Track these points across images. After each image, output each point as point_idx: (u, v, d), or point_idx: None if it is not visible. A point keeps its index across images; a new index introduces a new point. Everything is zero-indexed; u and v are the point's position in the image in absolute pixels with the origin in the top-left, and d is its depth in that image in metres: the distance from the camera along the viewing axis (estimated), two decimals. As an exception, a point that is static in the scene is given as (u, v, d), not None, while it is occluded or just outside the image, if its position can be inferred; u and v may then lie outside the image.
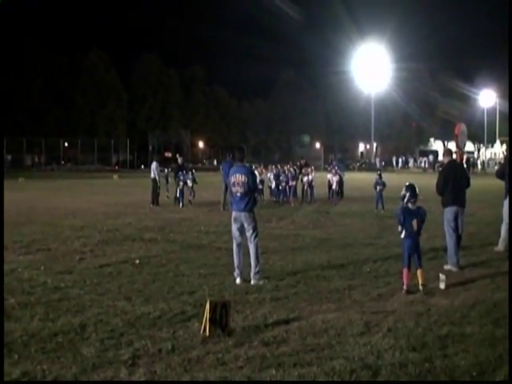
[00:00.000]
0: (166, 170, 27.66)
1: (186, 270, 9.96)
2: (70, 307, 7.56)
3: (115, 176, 48.45)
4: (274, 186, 24.91)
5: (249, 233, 9.37)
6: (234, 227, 9.47)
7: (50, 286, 8.76)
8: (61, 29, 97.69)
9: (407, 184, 8.90)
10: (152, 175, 23.16)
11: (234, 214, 9.49)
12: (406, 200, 8.73)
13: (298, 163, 28.56)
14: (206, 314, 6.37)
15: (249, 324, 6.82)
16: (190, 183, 23.10)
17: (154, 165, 23.65)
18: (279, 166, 27.16)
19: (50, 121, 76.56)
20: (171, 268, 10.18)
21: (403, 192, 8.79)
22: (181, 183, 22.87)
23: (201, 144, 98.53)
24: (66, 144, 78.07)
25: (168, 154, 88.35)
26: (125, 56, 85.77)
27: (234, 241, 9.50)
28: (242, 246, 9.46)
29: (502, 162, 14.74)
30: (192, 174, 23.73)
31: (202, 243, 13.10)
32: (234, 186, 9.35)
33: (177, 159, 26.41)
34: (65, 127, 76.38)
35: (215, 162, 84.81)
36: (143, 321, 6.95)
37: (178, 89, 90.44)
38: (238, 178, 9.31)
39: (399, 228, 8.75)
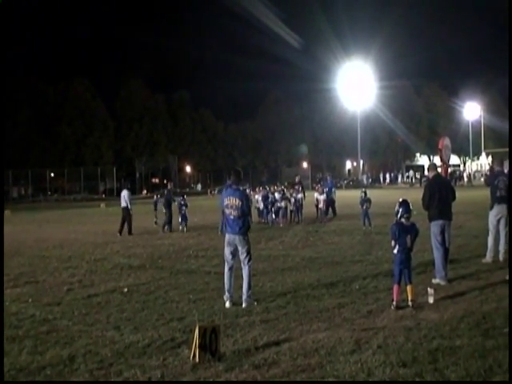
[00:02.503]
0: (155, 197, 27.63)
1: (176, 296, 9.93)
2: (58, 339, 7.51)
3: (102, 204, 48.27)
4: (262, 207, 24.91)
5: (243, 256, 9.38)
6: (227, 250, 9.46)
7: (38, 318, 8.71)
8: (45, 58, 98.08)
9: (401, 200, 8.95)
10: (123, 204, 22.14)
11: (227, 236, 9.48)
12: (399, 216, 8.79)
13: (296, 180, 28.28)
14: (196, 340, 6.35)
15: (239, 348, 6.81)
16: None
17: (124, 193, 22.60)
18: (267, 187, 27.24)
19: (35, 152, 76.33)
20: (160, 295, 10.14)
21: (397, 208, 8.85)
22: (183, 208, 22.81)
23: (188, 169, 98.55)
24: (53, 174, 77.89)
25: (155, 181, 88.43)
26: (109, 83, 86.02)
27: (226, 264, 9.47)
28: (234, 270, 9.46)
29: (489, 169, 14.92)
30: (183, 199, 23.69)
31: (192, 268, 13.07)
32: (228, 208, 9.38)
33: (167, 185, 26.29)
34: (51, 157, 76.13)
35: (199, 187, 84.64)
36: (132, 350, 6.92)
37: (164, 114, 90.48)
38: (231, 201, 9.35)
39: (392, 243, 8.79)
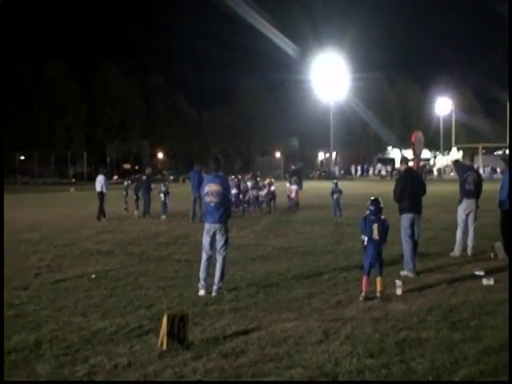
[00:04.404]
0: (125, 183, 27.34)
1: (145, 283, 9.87)
2: (25, 324, 7.41)
3: (72, 189, 47.83)
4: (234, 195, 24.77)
5: (220, 244, 9.26)
6: (206, 240, 9.29)
7: (5, 302, 8.54)
8: (19, 39, 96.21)
9: (372, 198, 9.00)
10: (99, 188, 22.07)
11: (207, 225, 9.30)
12: (368, 213, 8.86)
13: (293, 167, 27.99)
14: (164, 328, 6.31)
15: (207, 336, 6.78)
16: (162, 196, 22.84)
17: (101, 177, 22.48)
18: (239, 176, 27.19)
19: (6, 134, 75.10)
20: (129, 281, 10.07)
21: (368, 205, 8.91)
22: (162, 195, 22.63)
23: (160, 155, 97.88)
24: (23, 157, 76.91)
25: (127, 166, 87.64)
26: (83, 66, 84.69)
27: (205, 253, 9.31)
28: (212, 259, 9.36)
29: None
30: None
31: (162, 255, 13.00)
32: (208, 195, 9.20)
33: (145, 170, 26.21)
34: (22, 140, 75.00)
35: (171, 178, 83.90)
36: (99, 336, 6.86)
37: (137, 99, 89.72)
38: (212, 188, 9.19)
39: (362, 236, 8.86)
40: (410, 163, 11.71)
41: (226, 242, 9.35)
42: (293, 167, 27.93)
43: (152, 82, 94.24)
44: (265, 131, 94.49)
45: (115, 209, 24.02)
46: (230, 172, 44.28)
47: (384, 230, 8.80)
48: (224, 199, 9.24)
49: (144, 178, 24.25)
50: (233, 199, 24.34)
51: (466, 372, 5.56)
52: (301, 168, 29.60)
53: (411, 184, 10.72)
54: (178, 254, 13.03)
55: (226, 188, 9.35)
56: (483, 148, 75.49)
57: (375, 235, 8.69)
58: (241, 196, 24.22)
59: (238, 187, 24.41)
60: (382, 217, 8.88)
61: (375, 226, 8.69)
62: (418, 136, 14.18)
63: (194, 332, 6.87)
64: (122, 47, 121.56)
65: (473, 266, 10.70)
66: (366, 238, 8.78)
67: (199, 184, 19.72)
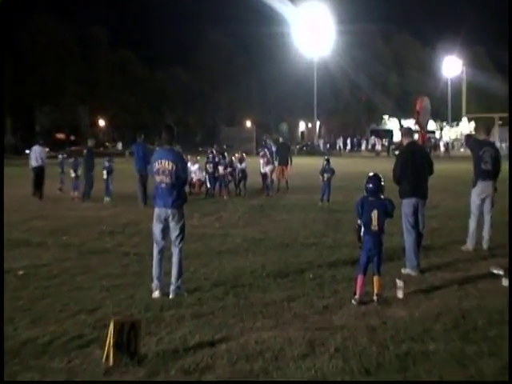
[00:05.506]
0: (59, 156, 27.04)
1: (85, 282, 9.80)
2: None
3: (-8, 164, 47.24)
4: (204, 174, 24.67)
5: (174, 234, 9.22)
6: (157, 228, 9.26)
7: None
8: None
9: (370, 174, 8.96)
10: (35, 162, 22.28)
11: (157, 211, 9.26)
12: (365, 193, 8.83)
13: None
14: (110, 338, 6.26)
15: (164, 348, 6.76)
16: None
17: (37, 149, 22.73)
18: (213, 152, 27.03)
19: None
20: (65, 280, 9.99)
21: (365, 183, 8.89)
22: (104, 172, 22.41)
23: (102, 123, 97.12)
24: None
25: (60, 136, 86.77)
26: (4, 12, 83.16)
27: (156, 245, 9.30)
28: (165, 251, 9.33)
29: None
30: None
31: (106, 247, 12.95)
32: (159, 174, 9.13)
33: (86, 143, 26.06)
34: None
35: (120, 146, 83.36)
36: (30, 348, 6.78)
37: (74, 54, 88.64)
38: (163, 165, 9.10)
39: (358, 221, 8.84)
40: (415, 136, 11.68)
41: (182, 230, 9.30)
42: (281, 139, 27.75)
43: (92, 34, 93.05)
44: (234, 95, 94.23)
45: (48, 189, 23.78)
46: (191, 145, 43.96)
47: (385, 213, 8.72)
48: (178, 178, 9.17)
49: (85, 151, 23.95)
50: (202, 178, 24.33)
51: (484, 392, 5.60)
52: (285, 143, 29.45)
53: (414, 161, 10.68)
54: (125, 246, 13.00)
55: (181, 165, 9.27)
56: (500, 119, 76.04)
57: (374, 225, 8.67)
58: (221, 172, 23.89)
59: (215, 164, 24.08)
60: (382, 197, 8.84)
61: (374, 214, 8.65)
62: (423, 103, 14.18)
63: (148, 343, 6.84)
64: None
65: (489, 263, 10.79)
66: (362, 225, 8.77)
67: (144, 159, 19.69)
